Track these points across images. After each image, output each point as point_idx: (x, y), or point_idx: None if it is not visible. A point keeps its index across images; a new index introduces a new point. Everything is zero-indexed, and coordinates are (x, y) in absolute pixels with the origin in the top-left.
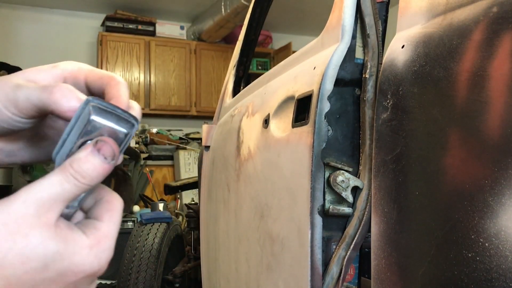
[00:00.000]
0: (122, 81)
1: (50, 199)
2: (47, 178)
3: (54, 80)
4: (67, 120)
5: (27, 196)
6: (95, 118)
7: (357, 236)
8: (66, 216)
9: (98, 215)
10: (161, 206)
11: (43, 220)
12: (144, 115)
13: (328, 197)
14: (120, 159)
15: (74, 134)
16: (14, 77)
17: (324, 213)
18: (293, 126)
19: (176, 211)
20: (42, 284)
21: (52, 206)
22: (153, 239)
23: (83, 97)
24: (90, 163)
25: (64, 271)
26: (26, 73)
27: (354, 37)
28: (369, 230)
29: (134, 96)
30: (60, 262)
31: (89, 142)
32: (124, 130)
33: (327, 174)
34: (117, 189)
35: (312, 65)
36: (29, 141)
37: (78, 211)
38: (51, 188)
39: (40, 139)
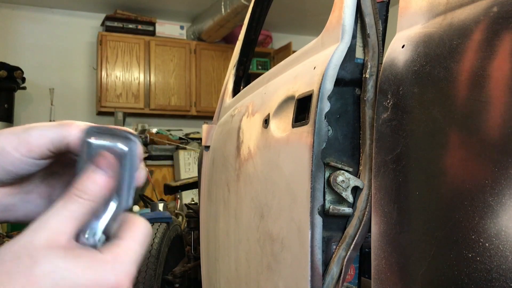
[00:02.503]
0: None
1: (57, 223)
2: (53, 205)
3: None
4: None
5: (36, 227)
6: (91, 140)
7: (357, 236)
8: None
9: (118, 234)
10: (161, 206)
11: (54, 245)
12: (144, 115)
13: (328, 197)
14: (142, 177)
15: (80, 163)
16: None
17: (324, 213)
18: (293, 126)
19: (176, 211)
20: None
21: (60, 229)
22: (153, 239)
23: None
24: (90, 179)
25: (66, 286)
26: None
27: (354, 37)
28: (369, 230)
29: (134, 96)
30: (70, 279)
31: None
32: (121, 146)
33: (327, 174)
34: None
35: (312, 65)
36: (27, 196)
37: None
38: (57, 212)
39: (36, 196)
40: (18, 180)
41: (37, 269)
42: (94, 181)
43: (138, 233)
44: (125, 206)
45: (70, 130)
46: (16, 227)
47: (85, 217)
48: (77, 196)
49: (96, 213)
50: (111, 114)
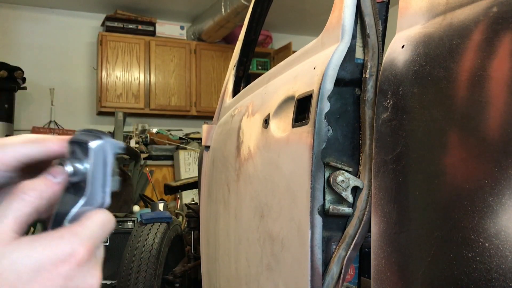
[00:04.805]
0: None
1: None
2: None
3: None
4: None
5: None
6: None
7: (357, 236)
8: None
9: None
10: (161, 206)
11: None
12: (144, 115)
13: (328, 197)
14: (107, 196)
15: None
16: None
17: (324, 213)
18: (293, 126)
19: (176, 211)
20: None
21: (4, 227)
22: (153, 239)
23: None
24: (37, 182)
25: (29, 269)
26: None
27: (354, 37)
28: (369, 230)
29: (134, 96)
30: (30, 263)
31: None
32: (91, 144)
33: (327, 174)
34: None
35: (312, 65)
36: None
37: None
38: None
39: None
40: None
41: None
42: (41, 183)
43: (96, 217)
44: (97, 203)
45: (50, 145)
46: None
47: (29, 213)
48: (22, 193)
49: (62, 208)
50: (111, 114)
